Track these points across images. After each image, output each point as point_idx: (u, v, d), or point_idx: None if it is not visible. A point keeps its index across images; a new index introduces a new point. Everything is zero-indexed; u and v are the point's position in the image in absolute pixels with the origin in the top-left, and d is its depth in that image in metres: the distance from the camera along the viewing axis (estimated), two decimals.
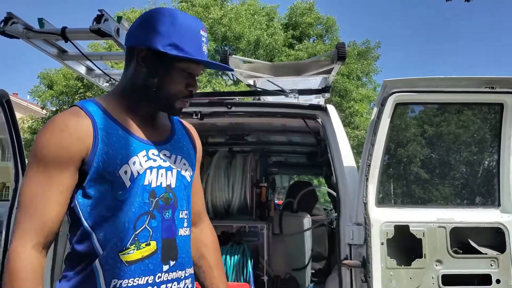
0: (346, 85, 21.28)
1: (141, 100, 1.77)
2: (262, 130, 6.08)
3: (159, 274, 1.69)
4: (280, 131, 6.09)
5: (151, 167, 1.69)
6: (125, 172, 1.63)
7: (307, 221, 6.81)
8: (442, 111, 3.60)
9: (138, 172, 1.66)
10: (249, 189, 5.11)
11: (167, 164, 1.74)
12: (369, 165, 3.44)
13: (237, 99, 4.53)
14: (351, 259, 3.57)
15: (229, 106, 4.24)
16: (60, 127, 1.59)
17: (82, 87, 16.44)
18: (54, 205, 1.57)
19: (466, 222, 3.43)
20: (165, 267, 1.71)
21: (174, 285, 1.74)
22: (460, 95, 3.27)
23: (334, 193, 7.35)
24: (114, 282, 1.60)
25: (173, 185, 1.75)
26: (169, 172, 1.74)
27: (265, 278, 4.80)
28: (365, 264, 3.38)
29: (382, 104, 3.29)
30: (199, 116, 4.37)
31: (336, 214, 7.25)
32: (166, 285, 1.71)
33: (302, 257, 6.63)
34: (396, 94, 3.27)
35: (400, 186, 3.73)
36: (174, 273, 1.74)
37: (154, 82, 1.72)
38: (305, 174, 9.58)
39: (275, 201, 6.62)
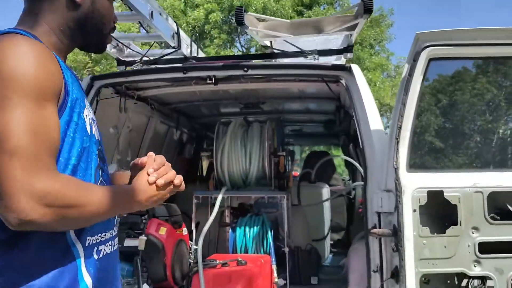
0: (359, 53, 20.73)
1: (73, 39, 1.60)
2: (278, 98, 5.82)
3: (114, 228, 1.67)
4: (297, 98, 5.83)
5: (92, 118, 1.58)
6: (86, 116, 1.50)
7: (325, 191, 6.63)
8: (481, 66, 3.31)
9: (91, 119, 1.55)
10: (267, 159, 4.90)
11: (92, 115, 1.62)
12: (400, 127, 3.19)
13: (253, 62, 4.26)
14: (380, 228, 3.37)
15: (246, 69, 3.99)
16: (42, 54, 1.34)
17: (90, 61, 16.21)
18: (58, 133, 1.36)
19: (505, 186, 3.18)
20: (114, 221, 1.68)
21: (116, 241, 1.70)
22: (502, 48, 2.97)
23: (356, 163, 7.16)
24: (88, 239, 1.48)
25: (99, 138, 1.64)
26: (95, 124, 1.62)
27: (286, 249, 4.63)
28: (396, 233, 3.17)
29: (414, 60, 3.01)
30: (213, 81, 4.13)
31: (359, 182, 7.16)
32: (114, 241, 1.66)
33: (321, 228, 6.48)
34: (430, 48, 2.98)
35: (433, 150, 3.48)
36: (115, 228, 1.70)
37: (89, 13, 1.57)
38: (321, 145, 9.36)
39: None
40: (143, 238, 3.97)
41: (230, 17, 20.21)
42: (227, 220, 5.43)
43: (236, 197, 5.40)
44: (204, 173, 7.57)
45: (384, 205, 3.33)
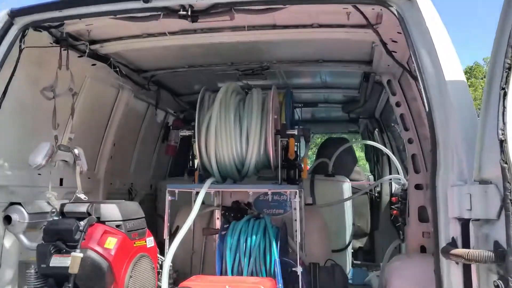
0: None
1: None
2: (287, 60, 4.36)
3: None
4: (312, 62, 4.37)
5: None
6: None
7: (347, 187, 5.19)
8: None
9: None
10: (272, 140, 3.45)
11: None
12: (510, 69, 1.76)
13: None
14: (465, 246, 1.95)
15: None
16: None
17: None
18: None
19: None
20: None
21: None
22: None
23: (388, 151, 5.67)
24: None
25: None
26: None
27: (299, 269, 3.18)
28: (504, 257, 1.73)
29: None
30: (189, 13, 2.70)
31: (394, 175, 5.66)
32: None
33: (342, 234, 5.05)
34: None
35: None
36: None
37: None
38: (335, 131, 7.85)
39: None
40: (78, 255, 2.54)
41: None
42: (217, 225, 3.98)
43: (229, 193, 3.95)
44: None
45: (476, 207, 1.90)
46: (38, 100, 3.18)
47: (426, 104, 2.37)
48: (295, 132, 3.61)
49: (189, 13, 2.76)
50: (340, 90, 5.51)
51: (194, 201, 3.40)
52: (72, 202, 2.90)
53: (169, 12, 2.80)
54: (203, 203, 4.07)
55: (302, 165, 3.79)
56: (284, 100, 4.12)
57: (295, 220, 3.71)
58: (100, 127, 4.53)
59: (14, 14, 2.90)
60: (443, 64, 2.34)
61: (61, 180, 3.91)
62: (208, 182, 3.39)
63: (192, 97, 5.41)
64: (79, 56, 3.66)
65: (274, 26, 3.52)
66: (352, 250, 5.78)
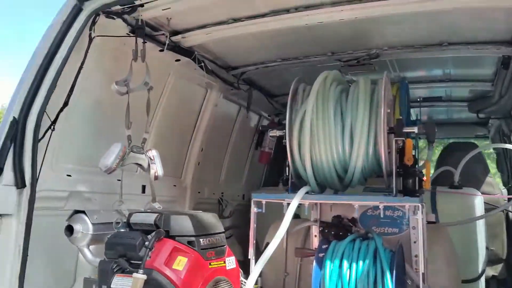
0: None
1: None
2: (401, 45, 3.57)
3: None
4: (434, 46, 3.53)
5: None
6: None
7: (479, 202, 4.17)
8: None
9: None
10: (384, 140, 2.70)
11: None
12: None
13: None
14: None
15: None
16: None
17: None
18: None
19: None
20: None
21: None
22: None
23: None
24: None
25: None
26: None
27: None
28: None
29: None
30: None
31: None
32: None
33: (473, 261, 4.03)
34: None
35: None
36: None
37: None
38: (458, 136, 6.65)
39: None
40: (140, 276, 2.07)
41: None
42: (315, 243, 3.30)
43: (329, 206, 3.26)
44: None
45: None
46: (111, 96, 2.84)
47: None
48: (415, 129, 2.81)
49: None
50: (467, 84, 4.51)
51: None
52: (140, 211, 2.46)
53: None
54: (298, 217, 3.44)
55: (424, 172, 2.97)
56: (398, 92, 3.35)
57: (415, 242, 2.91)
58: (186, 130, 4.16)
59: None
60: None
61: (143, 187, 3.58)
62: (302, 191, 2.74)
63: (287, 98, 4.83)
64: (160, 50, 3.30)
65: None
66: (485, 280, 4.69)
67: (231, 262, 2.51)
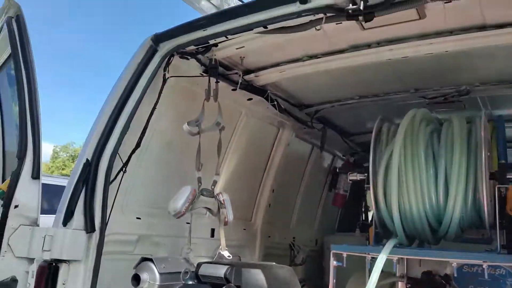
0: None
1: None
2: (495, 81, 3.20)
3: None
4: None
5: None
6: None
7: None
8: None
9: None
10: (485, 188, 2.34)
11: None
12: None
13: None
14: None
15: None
16: None
17: None
18: None
19: None
20: None
21: None
22: None
23: None
24: None
25: None
26: None
27: None
28: None
29: None
30: (361, 9, 1.95)
31: None
32: None
33: None
34: None
35: None
36: None
37: None
38: None
39: None
40: None
41: None
42: None
43: (418, 261, 2.87)
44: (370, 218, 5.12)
45: None
46: (182, 136, 2.74)
47: None
48: None
49: (362, 7, 1.97)
50: None
51: (369, 268, 2.47)
52: (210, 262, 2.28)
53: (335, 11, 2.07)
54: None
55: None
56: (494, 132, 2.96)
57: None
58: (257, 170, 3.98)
59: (158, 38, 2.55)
60: None
61: (212, 230, 3.42)
62: (390, 245, 2.42)
63: (364, 137, 4.52)
64: (233, 89, 3.20)
65: (482, 28, 2.49)
66: None
67: None
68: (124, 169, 2.54)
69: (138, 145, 2.58)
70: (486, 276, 2.33)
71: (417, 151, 2.47)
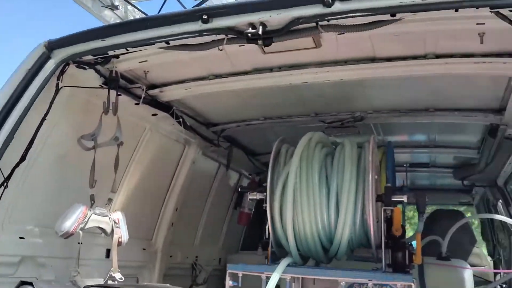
0: None
1: None
2: (387, 109, 3.47)
3: None
4: (421, 111, 3.43)
5: None
6: None
7: (468, 276, 3.91)
8: None
9: None
10: (372, 209, 2.49)
11: None
12: None
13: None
14: None
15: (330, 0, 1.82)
16: None
17: None
18: None
19: None
20: None
21: None
22: None
23: None
24: None
25: None
26: None
27: None
28: None
29: None
30: (260, 34, 2.00)
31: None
32: None
33: None
34: None
35: None
36: None
37: None
38: (442, 203, 6.48)
39: None
40: None
41: None
42: None
43: (311, 280, 2.96)
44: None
45: None
46: (77, 151, 2.59)
47: None
48: (404, 198, 2.63)
49: (260, 33, 2.03)
50: (452, 150, 4.41)
51: None
52: (98, 285, 2.15)
53: (235, 34, 2.11)
54: None
55: (415, 245, 2.75)
56: (384, 157, 3.20)
57: None
58: (161, 187, 3.88)
59: (52, 45, 2.40)
60: None
61: (108, 251, 3.24)
62: (283, 264, 2.47)
63: (269, 157, 4.63)
64: (136, 104, 3.10)
65: (372, 60, 2.70)
66: None
67: None
68: (5, 183, 2.33)
69: (23, 158, 2.38)
70: None
71: (312, 173, 2.58)
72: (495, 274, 4.94)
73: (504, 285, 4.71)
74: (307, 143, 2.68)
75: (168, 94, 3.22)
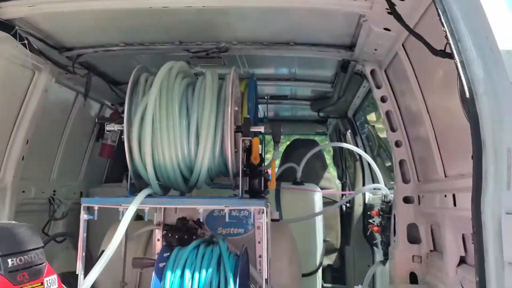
0: None
1: None
2: (251, 41, 3.50)
3: None
4: (282, 44, 3.53)
5: None
6: None
7: (318, 198, 4.39)
8: None
9: None
10: (230, 139, 2.57)
11: None
12: None
13: None
14: None
15: None
16: None
17: None
18: None
19: None
20: None
21: None
22: None
23: (366, 155, 4.92)
24: None
25: None
26: None
27: None
28: None
29: None
30: None
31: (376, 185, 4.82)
32: None
33: (312, 254, 4.24)
34: None
35: None
36: None
37: None
38: (298, 132, 7.01)
39: None
40: None
41: None
42: (158, 248, 3.04)
43: (174, 209, 3.02)
44: None
45: None
46: None
47: (466, 86, 1.57)
48: (262, 129, 2.75)
49: None
50: (310, 84, 4.70)
51: None
52: None
53: None
54: (141, 218, 3.16)
55: (270, 172, 2.94)
56: (246, 89, 3.27)
57: (259, 242, 2.86)
58: (7, 119, 3.48)
59: None
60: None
61: None
62: (141, 195, 2.45)
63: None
64: None
65: None
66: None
67: (51, 282, 2.11)
68: None
69: None
70: (227, 219, 2.60)
71: (172, 103, 2.52)
72: (342, 195, 5.62)
73: (347, 204, 5.41)
74: (167, 72, 2.59)
75: (8, 11, 2.79)
